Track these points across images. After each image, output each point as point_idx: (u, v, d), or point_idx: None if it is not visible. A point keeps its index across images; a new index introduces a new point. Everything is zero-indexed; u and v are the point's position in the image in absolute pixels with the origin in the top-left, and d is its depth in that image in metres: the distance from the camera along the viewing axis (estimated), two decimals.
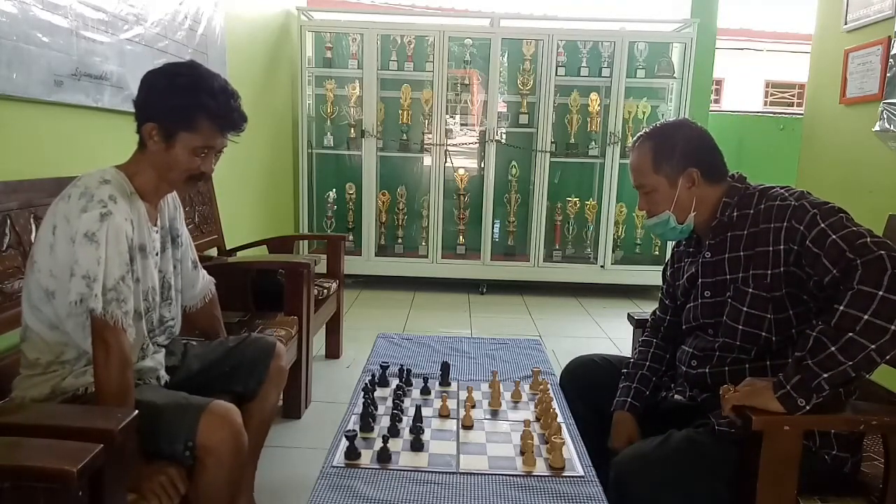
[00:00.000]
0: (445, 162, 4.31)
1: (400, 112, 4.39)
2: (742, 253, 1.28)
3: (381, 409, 1.42)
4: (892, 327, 1.03)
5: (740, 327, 1.28)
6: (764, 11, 10.75)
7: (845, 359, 1.05)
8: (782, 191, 1.27)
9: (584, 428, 1.40)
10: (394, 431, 1.30)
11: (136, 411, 1.05)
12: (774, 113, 7.19)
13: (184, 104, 1.28)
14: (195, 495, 1.26)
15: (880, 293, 1.03)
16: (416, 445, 1.26)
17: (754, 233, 1.26)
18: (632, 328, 1.79)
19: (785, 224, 1.20)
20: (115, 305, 1.19)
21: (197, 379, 1.52)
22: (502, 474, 1.19)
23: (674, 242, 1.53)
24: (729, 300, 1.30)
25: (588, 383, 1.58)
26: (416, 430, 1.27)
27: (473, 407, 1.45)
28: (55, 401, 1.25)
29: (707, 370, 1.34)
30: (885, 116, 2.42)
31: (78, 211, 1.20)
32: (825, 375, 1.07)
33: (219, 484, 1.26)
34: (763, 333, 1.25)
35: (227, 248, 2.81)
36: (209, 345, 1.62)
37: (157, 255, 1.41)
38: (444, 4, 8.69)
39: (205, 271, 1.67)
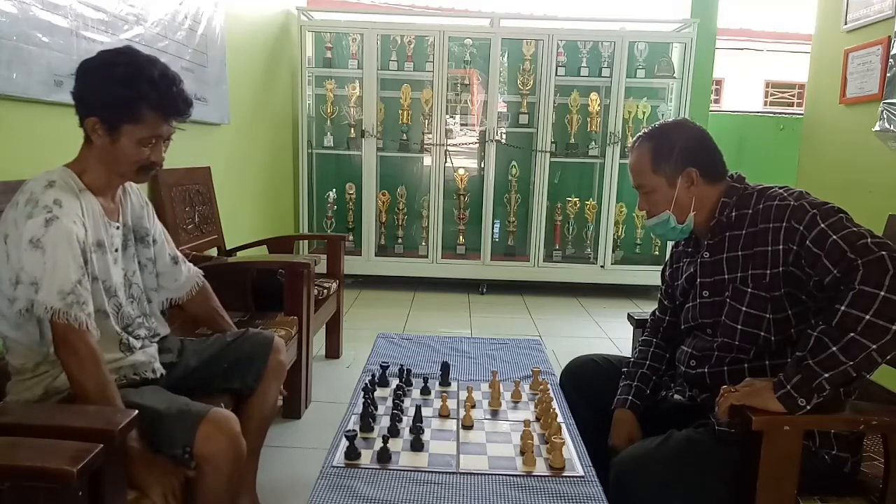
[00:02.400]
0: (445, 162, 4.31)
1: (400, 112, 4.39)
2: (741, 253, 1.28)
3: (381, 409, 1.42)
4: (894, 328, 1.03)
5: (739, 327, 1.28)
6: (764, 11, 10.75)
7: (846, 359, 1.06)
8: (781, 191, 1.27)
9: (584, 428, 1.39)
10: (394, 431, 1.30)
11: (136, 412, 1.05)
12: (774, 113, 7.19)
13: (124, 96, 1.23)
14: (194, 502, 1.26)
15: (882, 293, 1.03)
16: (416, 445, 1.26)
17: (753, 233, 1.26)
18: (632, 328, 1.79)
19: (784, 224, 1.20)
20: (77, 308, 1.16)
21: (195, 376, 1.52)
22: (502, 474, 1.19)
23: (673, 242, 1.53)
24: (728, 300, 1.30)
25: (588, 383, 1.57)
26: (416, 430, 1.27)
27: (473, 407, 1.45)
28: (51, 400, 1.25)
29: (706, 370, 1.34)
30: (885, 116, 2.42)
31: (24, 217, 1.17)
32: (826, 375, 1.07)
33: (218, 491, 1.25)
34: (762, 333, 1.25)
35: (227, 248, 2.82)
36: (207, 341, 1.61)
37: (116, 251, 1.37)
38: (444, 4, 8.69)
39: (191, 265, 1.66)
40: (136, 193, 1.50)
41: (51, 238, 1.16)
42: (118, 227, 1.38)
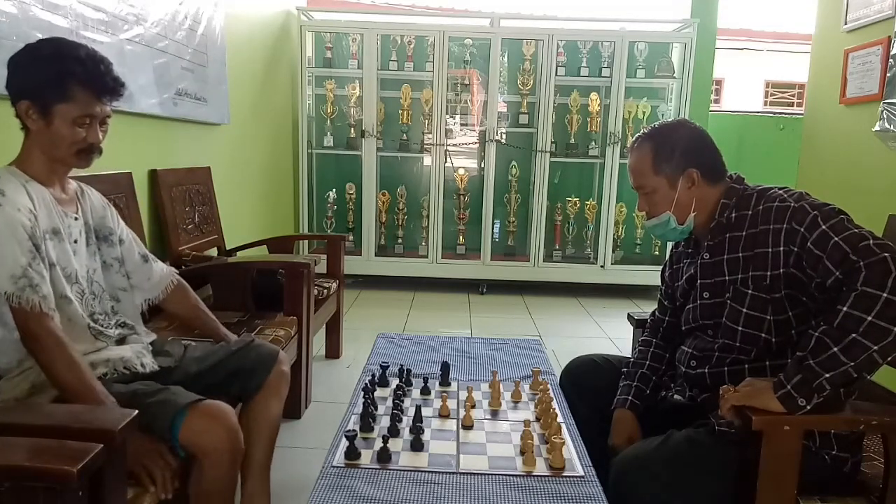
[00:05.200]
0: (445, 162, 4.31)
1: (400, 112, 4.39)
2: (741, 254, 1.28)
3: (381, 409, 1.42)
4: (895, 329, 1.03)
5: (739, 328, 1.28)
6: (764, 11, 10.76)
7: (847, 359, 1.05)
8: (781, 192, 1.26)
9: (584, 428, 1.39)
10: (394, 431, 1.30)
11: (136, 412, 1.05)
12: (774, 113, 7.18)
13: (52, 74, 1.25)
14: (196, 494, 1.26)
15: (884, 295, 1.03)
16: (416, 445, 1.26)
17: (753, 234, 1.26)
18: (632, 328, 1.79)
19: (785, 226, 1.20)
20: (31, 291, 1.17)
21: (196, 381, 1.50)
22: (502, 474, 1.19)
23: (673, 243, 1.53)
24: (728, 301, 1.30)
25: (588, 383, 1.57)
26: (416, 430, 1.27)
27: (473, 407, 1.45)
28: (40, 396, 1.24)
29: (706, 370, 1.34)
30: (885, 116, 2.42)
31: None
32: (826, 375, 1.07)
33: (219, 482, 1.27)
34: (762, 335, 1.25)
35: (227, 248, 2.82)
36: (210, 347, 1.61)
37: (75, 242, 1.37)
38: (444, 4, 8.69)
39: (163, 264, 1.65)
40: (97, 195, 1.51)
41: None
42: (76, 219, 1.39)
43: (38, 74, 1.25)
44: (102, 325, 1.40)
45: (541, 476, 1.18)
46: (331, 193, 4.53)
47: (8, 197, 1.21)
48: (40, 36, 1.70)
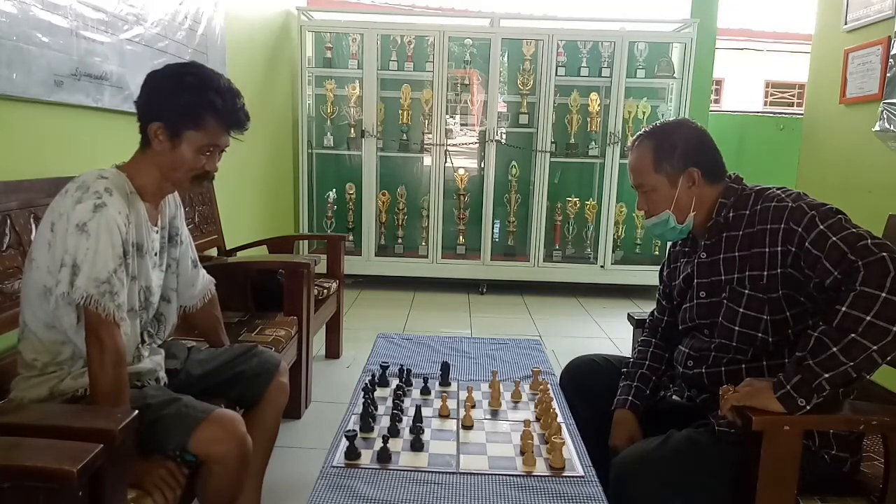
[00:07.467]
0: (445, 162, 4.31)
1: (400, 112, 4.39)
2: (738, 254, 1.28)
3: (381, 409, 1.42)
4: (894, 329, 1.03)
5: (736, 328, 1.27)
6: (764, 11, 10.76)
7: (847, 359, 1.05)
8: (779, 192, 1.26)
9: (584, 428, 1.39)
10: (394, 431, 1.30)
11: (136, 411, 1.05)
12: (774, 113, 7.18)
13: (192, 102, 1.28)
14: (203, 496, 1.28)
15: (883, 295, 1.03)
16: (416, 445, 1.26)
17: (750, 234, 1.26)
18: (632, 328, 1.79)
19: (782, 226, 1.20)
20: (108, 298, 1.18)
21: (197, 385, 1.51)
22: (502, 474, 1.19)
23: (671, 242, 1.53)
24: (725, 301, 1.30)
25: (588, 383, 1.57)
26: (416, 430, 1.27)
27: (473, 407, 1.45)
28: (54, 402, 1.25)
29: (703, 370, 1.34)
30: (885, 116, 2.42)
31: (73, 203, 1.20)
32: (826, 376, 1.07)
33: (226, 488, 1.29)
34: (759, 334, 1.25)
35: (227, 248, 2.81)
36: (214, 351, 1.61)
37: (156, 255, 1.40)
38: (444, 4, 8.69)
39: (204, 271, 1.66)
40: (173, 194, 1.51)
41: (96, 224, 1.18)
42: (157, 231, 1.40)
43: (179, 100, 1.28)
44: (145, 343, 1.41)
45: (541, 476, 1.18)
46: (331, 193, 4.53)
47: (114, 198, 1.23)
48: (40, 36, 1.71)
